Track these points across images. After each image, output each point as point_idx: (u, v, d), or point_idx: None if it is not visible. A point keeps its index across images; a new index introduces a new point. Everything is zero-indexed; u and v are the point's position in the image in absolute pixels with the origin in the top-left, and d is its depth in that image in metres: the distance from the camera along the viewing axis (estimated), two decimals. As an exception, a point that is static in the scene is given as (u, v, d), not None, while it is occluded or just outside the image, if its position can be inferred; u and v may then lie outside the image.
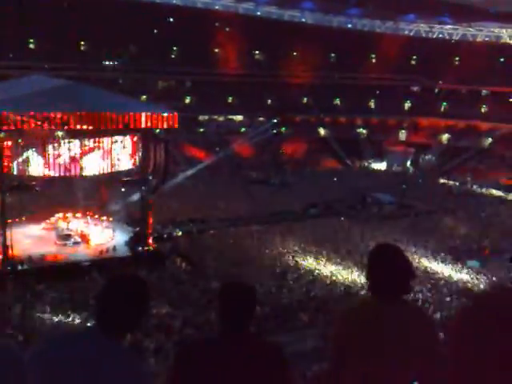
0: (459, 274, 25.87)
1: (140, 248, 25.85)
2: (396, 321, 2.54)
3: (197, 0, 57.10)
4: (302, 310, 20.48)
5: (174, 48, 53.21)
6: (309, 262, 26.63)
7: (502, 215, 35.74)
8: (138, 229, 26.97)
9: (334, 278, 24.61)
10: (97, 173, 25.96)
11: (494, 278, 25.13)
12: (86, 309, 18.42)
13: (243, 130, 52.60)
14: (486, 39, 54.47)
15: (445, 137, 51.56)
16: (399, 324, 2.52)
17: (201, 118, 53.02)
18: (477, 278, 25.29)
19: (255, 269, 24.83)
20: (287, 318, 19.70)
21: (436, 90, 54.59)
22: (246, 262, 25.68)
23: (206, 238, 29.58)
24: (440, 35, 56.77)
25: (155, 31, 51.45)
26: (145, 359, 14.02)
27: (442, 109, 53.08)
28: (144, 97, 47.25)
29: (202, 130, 51.59)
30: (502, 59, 50.94)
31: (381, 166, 51.16)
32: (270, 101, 54.78)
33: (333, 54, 56.03)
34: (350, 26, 56.06)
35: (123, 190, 28.97)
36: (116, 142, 26.07)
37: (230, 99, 54.13)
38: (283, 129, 53.22)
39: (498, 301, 1.00)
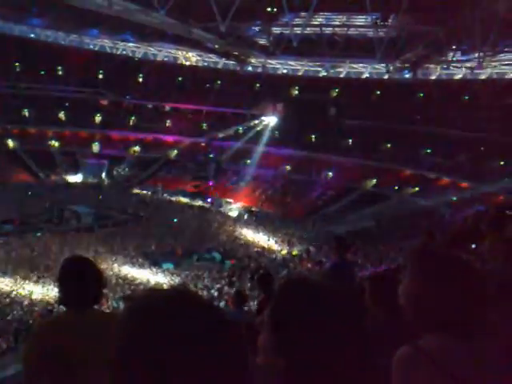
0: (156, 277, 28.21)
1: None
2: (91, 330, 2.52)
3: None
4: (-1, 336, 19.52)
5: None
6: (4, 284, 25.28)
7: (190, 219, 39.88)
8: None
9: (33, 297, 23.99)
10: None
11: (184, 276, 28.37)
12: None
13: None
14: (166, 59, 59.35)
15: (136, 149, 54.21)
16: (95, 333, 2.45)
17: None
18: (172, 279, 28.06)
19: None
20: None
21: (124, 105, 56.81)
22: None
23: None
24: (124, 52, 59.20)
25: None
26: None
27: (131, 122, 55.46)
28: None
29: None
30: (180, 78, 56.27)
31: (76, 178, 50.86)
32: None
33: (17, 64, 53.16)
34: (33, 35, 53.96)
35: None
36: None
37: None
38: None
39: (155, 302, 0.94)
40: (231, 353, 0.91)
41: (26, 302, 23.25)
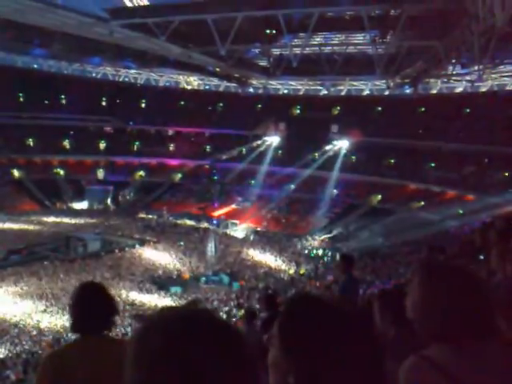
0: (164, 301, 28.04)
1: None
2: (101, 358, 2.48)
3: None
4: (8, 368, 19.33)
5: None
6: (12, 315, 25.18)
7: (196, 242, 39.76)
8: None
9: (41, 326, 23.84)
10: None
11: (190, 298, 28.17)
12: None
13: None
14: (167, 84, 60.08)
15: (140, 174, 54.46)
16: (105, 361, 2.43)
17: None
18: (179, 303, 27.86)
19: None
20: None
21: (128, 131, 57.24)
22: None
23: None
24: (126, 79, 60.10)
25: None
26: None
27: (135, 148, 55.93)
28: None
29: None
30: (182, 102, 56.75)
31: (82, 205, 51.02)
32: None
33: (21, 94, 53.86)
34: (36, 66, 54.78)
35: None
36: None
37: None
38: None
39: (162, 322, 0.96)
40: (245, 370, 0.92)
41: (34, 332, 23.10)
